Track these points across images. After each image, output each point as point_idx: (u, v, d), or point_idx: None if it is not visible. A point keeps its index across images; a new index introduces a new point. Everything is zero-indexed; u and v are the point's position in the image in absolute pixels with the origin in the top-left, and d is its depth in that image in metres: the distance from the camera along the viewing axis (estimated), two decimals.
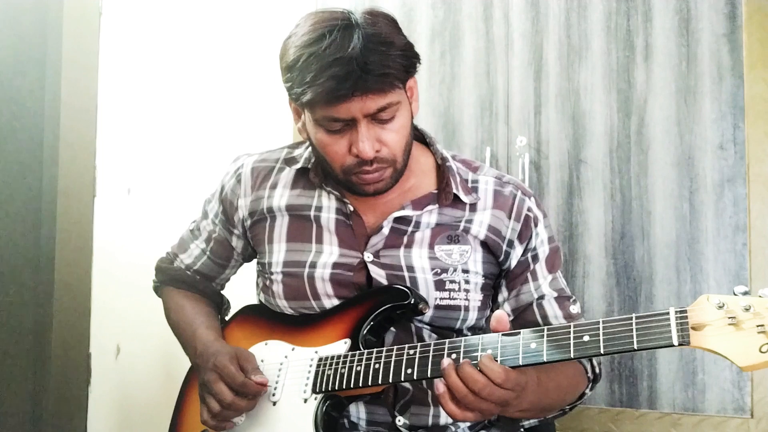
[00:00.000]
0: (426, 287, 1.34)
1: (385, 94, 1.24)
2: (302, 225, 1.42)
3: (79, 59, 2.07)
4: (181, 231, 1.63)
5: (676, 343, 1.03)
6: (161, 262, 1.63)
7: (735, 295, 1.03)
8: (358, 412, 1.35)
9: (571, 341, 1.10)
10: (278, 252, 1.42)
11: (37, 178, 1.99)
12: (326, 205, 1.41)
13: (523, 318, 1.38)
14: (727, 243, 2.21)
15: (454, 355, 1.17)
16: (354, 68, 1.19)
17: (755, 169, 2.18)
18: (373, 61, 1.21)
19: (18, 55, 1.99)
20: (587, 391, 1.38)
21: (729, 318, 1.01)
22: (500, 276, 1.41)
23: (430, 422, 1.36)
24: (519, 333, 1.15)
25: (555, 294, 1.40)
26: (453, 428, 1.38)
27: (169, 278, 1.60)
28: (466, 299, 1.35)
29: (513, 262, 1.39)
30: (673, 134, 2.29)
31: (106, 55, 2.16)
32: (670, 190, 2.28)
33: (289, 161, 1.47)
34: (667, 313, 1.05)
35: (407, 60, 1.27)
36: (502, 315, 1.16)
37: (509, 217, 1.39)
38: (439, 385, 1.14)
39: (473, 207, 1.39)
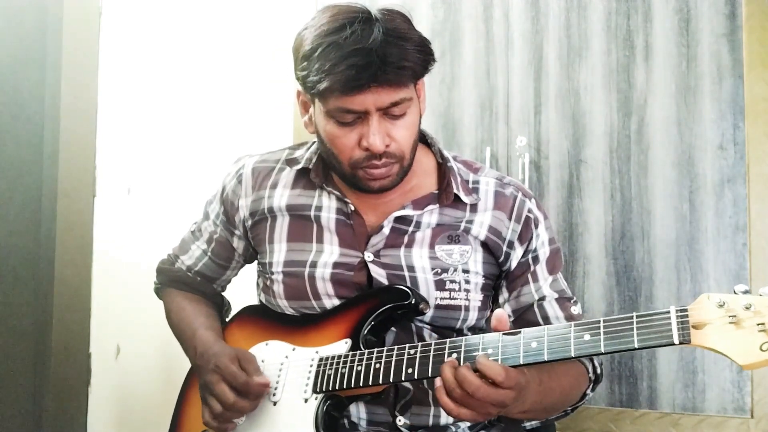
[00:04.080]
0: (426, 287, 1.34)
1: (399, 89, 1.25)
2: (303, 225, 1.42)
3: (79, 59, 2.07)
4: (182, 231, 1.63)
5: (677, 341, 1.03)
6: (162, 263, 1.63)
7: (735, 293, 1.03)
8: (358, 412, 1.35)
9: (572, 340, 1.10)
10: (279, 252, 1.42)
11: (37, 178, 1.99)
12: (326, 205, 1.41)
13: (523, 319, 1.38)
14: (727, 243, 2.21)
15: (455, 355, 1.17)
16: (374, 59, 1.21)
17: (755, 169, 2.18)
18: (392, 53, 1.22)
19: (18, 55, 1.99)
20: (589, 391, 1.38)
21: (729, 317, 1.01)
22: (500, 277, 1.42)
23: (430, 422, 1.36)
24: (520, 332, 1.15)
25: (556, 295, 1.40)
26: (453, 428, 1.38)
27: (170, 280, 1.60)
28: (467, 299, 1.35)
29: (513, 263, 1.39)
30: (673, 134, 2.29)
31: (106, 55, 2.16)
32: (670, 190, 2.28)
33: (290, 162, 1.47)
34: (668, 312, 1.05)
35: (425, 56, 1.28)
36: (502, 314, 1.16)
37: (510, 219, 1.39)
38: (437, 380, 1.14)
39: (474, 208, 1.39)
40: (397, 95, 1.26)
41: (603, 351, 1.08)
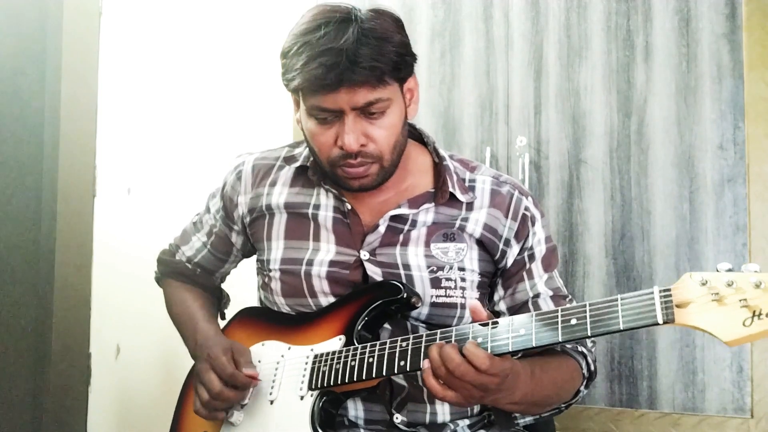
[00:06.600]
0: (422, 285, 1.34)
1: (373, 89, 1.26)
2: (300, 222, 1.43)
3: (79, 59, 2.07)
4: (183, 227, 1.64)
5: (660, 321, 1.03)
6: (163, 254, 1.66)
7: (718, 271, 1.03)
8: (356, 410, 1.36)
9: (559, 325, 1.11)
10: (276, 249, 1.43)
11: (37, 178, 2.00)
12: (324, 203, 1.42)
13: None
14: (727, 243, 2.21)
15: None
16: (342, 59, 1.21)
17: (755, 169, 2.18)
18: (363, 54, 1.22)
19: (18, 55, 1.99)
20: (582, 388, 1.38)
21: (712, 294, 1.01)
22: (496, 274, 1.42)
23: (427, 420, 1.36)
24: (488, 323, 1.15)
25: (551, 293, 1.40)
26: (452, 426, 1.38)
27: (170, 270, 1.62)
28: (462, 297, 1.36)
29: (509, 260, 1.40)
30: (673, 134, 2.29)
31: (106, 55, 2.16)
32: (670, 190, 2.28)
33: (289, 159, 1.48)
34: (652, 293, 1.05)
35: (399, 57, 1.28)
36: (476, 305, 1.17)
37: (506, 216, 1.39)
38: (424, 362, 1.16)
39: (470, 206, 1.39)
40: (372, 95, 1.26)
41: (590, 334, 1.09)
